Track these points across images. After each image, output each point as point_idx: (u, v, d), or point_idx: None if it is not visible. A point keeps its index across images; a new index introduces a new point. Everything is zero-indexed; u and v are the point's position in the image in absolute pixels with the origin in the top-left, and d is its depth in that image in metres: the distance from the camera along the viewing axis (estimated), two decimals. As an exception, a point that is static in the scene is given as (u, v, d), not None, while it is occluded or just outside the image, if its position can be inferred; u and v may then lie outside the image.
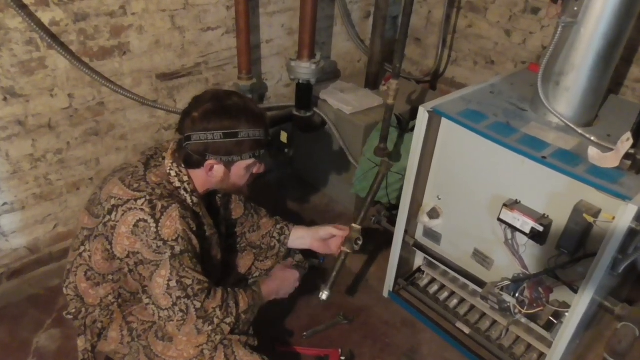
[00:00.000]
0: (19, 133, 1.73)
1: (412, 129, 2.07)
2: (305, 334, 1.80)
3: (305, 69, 2.09)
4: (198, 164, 1.26)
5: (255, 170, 1.34)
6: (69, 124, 1.82)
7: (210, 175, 1.28)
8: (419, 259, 2.01)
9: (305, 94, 2.19)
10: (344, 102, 2.29)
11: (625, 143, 1.29)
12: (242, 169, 1.30)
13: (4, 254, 1.90)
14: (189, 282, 1.20)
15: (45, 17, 1.61)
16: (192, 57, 2.03)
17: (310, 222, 2.33)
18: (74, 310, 1.39)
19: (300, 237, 1.62)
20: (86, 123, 1.86)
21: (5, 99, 1.65)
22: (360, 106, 2.29)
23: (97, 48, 1.76)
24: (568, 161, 1.34)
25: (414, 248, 1.88)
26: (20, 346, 1.72)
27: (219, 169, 1.27)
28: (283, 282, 1.50)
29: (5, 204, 1.81)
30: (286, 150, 1.35)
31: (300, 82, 2.13)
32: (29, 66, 1.65)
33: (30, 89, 1.68)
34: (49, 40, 1.61)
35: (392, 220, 1.89)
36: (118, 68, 1.84)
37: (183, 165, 1.28)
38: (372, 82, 2.46)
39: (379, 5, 2.26)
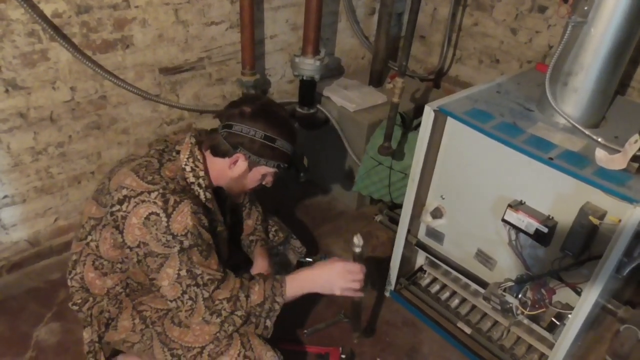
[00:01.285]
0: (21, 125, 1.71)
1: (416, 128, 2.07)
2: (306, 331, 1.80)
3: (309, 65, 2.08)
4: (225, 153, 1.29)
5: (266, 180, 1.38)
6: (71, 117, 1.81)
7: (231, 168, 1.30)
8: (420, 259, 2.00)
9: (309, 90, 2.17)
10: (347, 99, 2.27)
11: (633, 145, 1.28)
12: (259, 174, 1.34)
13: (4, 247, 1.89)
14: (198, 272, 1.22)
15: (47, 8, 1.59)
16: (195, 51, 2.01)
17: (311, 221, 2.34)
18: (79, 301, 1.39)
19: (255, 260, 1.59)
20: (88, 116, 1.85)
21: (6, 91, 1.63)
22: (364, 104, 2.27)
23: (99, 41, 1.74)
24: (575, 163, 1.33)
25: (416, 247, 1.87)
26: (20, 339, 1.72)
27: (242, 165, 1.30)
28: (317, 276, 1.35)
29: (6, 196, 1.80)
30: (302, 174, 1.43)
31: (304, 78, 2.12)
32: (31, 58, 1.63)
33: (32, 81, 1.67)
34: (52, 32, 1.59)
35: (395, 220, 1.88)
36: (121, 61, 1.83)
37: (201, 160, 1.29)
38: (376, 80, 2.44)
39: (384, 2, 2.25)
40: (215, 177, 1.33)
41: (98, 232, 1.29)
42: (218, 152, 1.30)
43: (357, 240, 1.34)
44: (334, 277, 1.34)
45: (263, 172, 1.34)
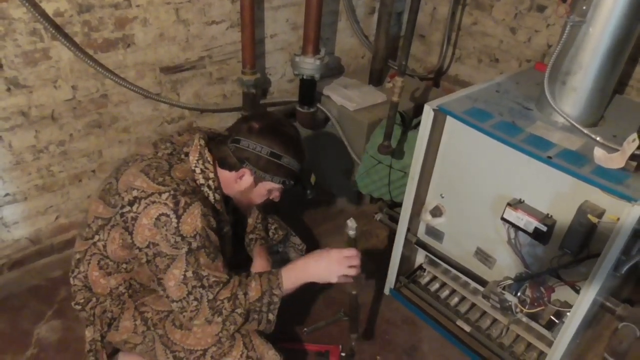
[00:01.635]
0: (22, 124, 1.72)
1: (416, 127, 2.08)
2: (306, 329, 1.80)
3: (310, 65, 2.08)
4: (231, 167, 1.31)
5: (272, 195, 1.40)
6: (72, 115, 1.82)
7: (237, 181, 1.33)
8: (420, 257, 2.01)
9: (309, 89, 2.18)
10: (347, 98, 2.28)
11: (631, 144, 1.28)
12: (265, 189, 1.36)
13: (6, 245, 1.90)
14: (204, 274, 1.23)
15: (49, 7, 1.60)
16: (196, 50, 2.02)
17: (312, 220, 2.34)
18: (82, 300, 1.39)
19: (254, 259, 1.60)
20: (89, 115, 1.86)
21: (8, 90, 1.64)
22: (364, 103, 2.28)
23: (101, 40, 1.75)
24: (573, 161, 1.34)
25: (416, 246, 1.88)
26: (21, 337, 1.73)
27: (247, 180, 1.32)
28: (313, 265, 1.33)
29: (7, 194, 1.81)
30: (308, 192, 1.45)
31: (304, 77, 2.12)
32: (32, 57, 1.64)
33: (33, 80, 1.67)
34: (53, 31, 1.60)
35: (395, 218, 1.89)
36: (122, 60, 1.83)
37: (210, 162, 1.30)
38: (376, 79, 2.45)
39: (384, 1, 2.25)
40: (223, 187, 1.35)
41: (106, 232, 1.29)
42: (225, 165, 1.32)
43: (351, 223, 1.32)
44: (331, 264, 1.32)
45: (269, 188, 1.36)
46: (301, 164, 1.36)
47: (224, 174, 1.33)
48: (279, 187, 1.37)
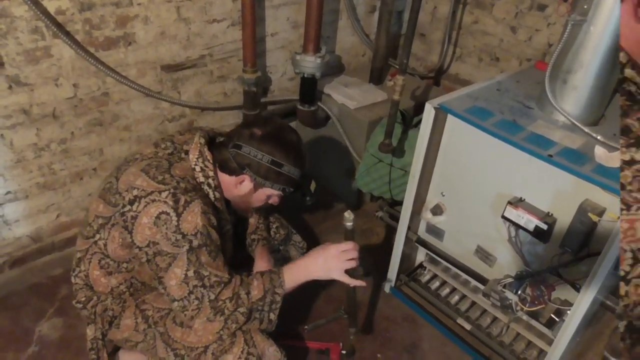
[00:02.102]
0: (24, 122, 1.72)
1: (416, 125, 2.08)
2: (306, 327, 1.80)
3: (310, 63, 2.08)
4: (232, 172, 1.32)
5: (271, 200, 1.41)
6: (73, 113, 1.82)
7: (237, 186, 1.33)
8: (420, 255, 2.01)
9: (310, 88, 2.18)
10: (348, 96, 2.28)
11: (632, 143, 1.29)
12: (265, 195, 1.38)
13: (7, 243, 1.90)
14: (205, 273, 1.23)
15: (51, 5, 1.60)
16: (197, 48, 2.02)
17: (312, 218, 2.35)
18: (83, 299, 1.39)
19: (256, 260, 1.61)
20: (90, 113, 1.86)
21: (10, 88, 1.64)
22: (364, 101, 2.28)
23: (102, 38, 1.75)
24: (574, 160, 1.34)
25: (416, 244, 1.88)
26: (22, 335, 1.73)
27: (247, 185, 1.33)
28: (312, 263, 1.35)
29: (8, 192, 1.81)
30: (308, 198, 1.48)
31: (305, 76, 2.12)
32: (34, 55, 1.64)
33: (35, 78, 1.67)
34: (55, 29, 1.60)
35: (395, 216, 1.89)
36: (123, 58, 1.84)
37: (210, 160, 1.30)
38: (377, 77, 2.45)
39: (385, 0, 2.25)
40: (223, 190, 1.36)
41: (107, 231, 1.29)
42: (226, 169, 1.32)
43: (348, 215, 1.33)
44: (330, 260, 1.33)
45: (268, 194, 1.37)
46: (302, 171, 1.36)
47: (224, 178, 1.34)
48: (279, 193, 1.38)
